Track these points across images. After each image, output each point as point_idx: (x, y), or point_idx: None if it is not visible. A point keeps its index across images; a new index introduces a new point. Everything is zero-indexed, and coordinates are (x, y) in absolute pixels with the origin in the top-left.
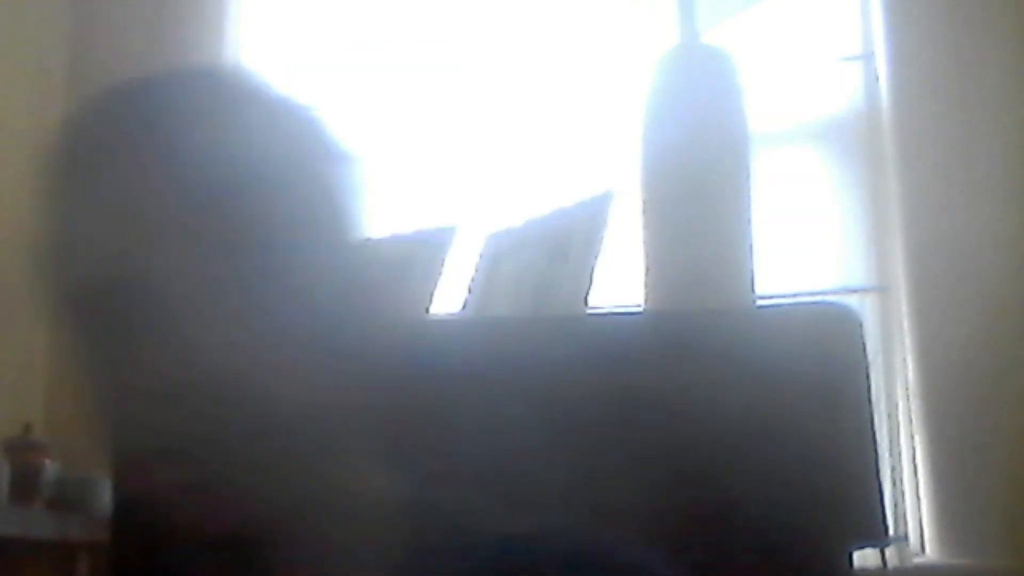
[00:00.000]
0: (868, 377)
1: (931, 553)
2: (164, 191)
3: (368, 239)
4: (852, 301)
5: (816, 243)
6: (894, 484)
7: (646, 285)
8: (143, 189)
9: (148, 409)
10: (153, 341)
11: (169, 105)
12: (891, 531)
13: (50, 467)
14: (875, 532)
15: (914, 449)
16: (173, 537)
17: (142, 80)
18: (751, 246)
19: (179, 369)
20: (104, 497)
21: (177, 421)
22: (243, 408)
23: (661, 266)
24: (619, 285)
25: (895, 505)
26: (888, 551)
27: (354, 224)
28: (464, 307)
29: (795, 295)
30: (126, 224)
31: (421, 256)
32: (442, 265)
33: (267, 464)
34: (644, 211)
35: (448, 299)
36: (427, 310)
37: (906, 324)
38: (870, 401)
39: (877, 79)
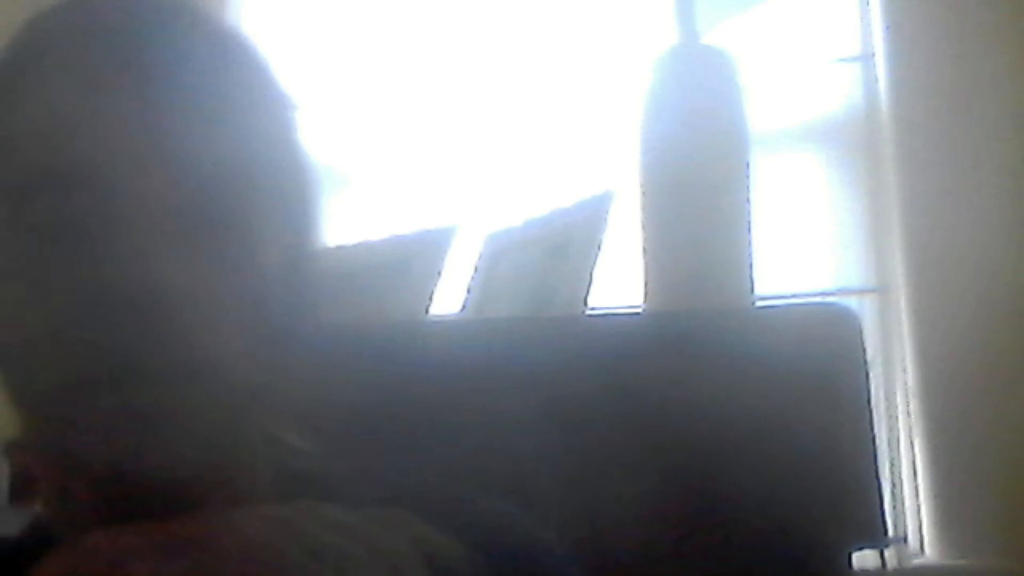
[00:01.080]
0: (867, 378)
1: (930, 554)
2: (114, 101)
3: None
4: (851, 301)
5: (815, 243)
6: (893, 485)
7: (645, 285)
8: (92, 94)
9: (79, 321)
10: (92, 248)
11: (127, 19)
12: (890, 532)
13: None
14: (874, 533)
15: (913, 450)
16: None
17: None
18: (750, 246)
19: (113, 284)
20: None
21: (103, 342)
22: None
23: (660, 266)
24: (618, 285)
25: (894, 506)
26: (887, 552)
27: (298, 166)
28: (464, 307)
29: (794, 295)
30: (70, 121)
31: (420, 256)
32: (442, 265)
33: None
34: (643, 211)
35: (448, 299)
36: (427, 310)
37: (905, 325)
38: (869, 401)
39: (876, 80)
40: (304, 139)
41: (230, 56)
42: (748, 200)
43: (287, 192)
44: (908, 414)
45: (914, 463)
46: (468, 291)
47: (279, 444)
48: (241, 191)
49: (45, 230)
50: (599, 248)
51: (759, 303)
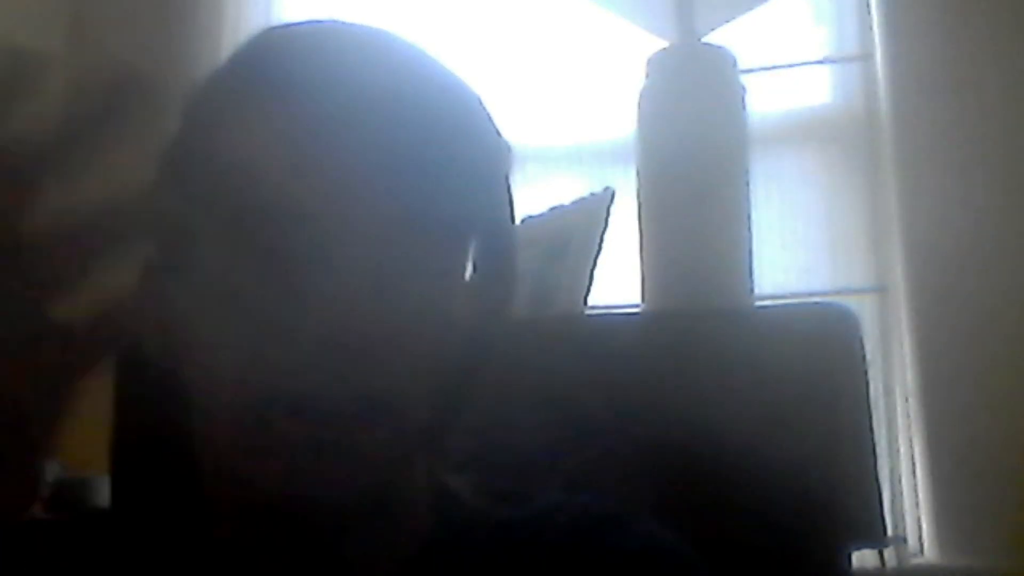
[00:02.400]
0: (867, 378)
1: (930, 554)
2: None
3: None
4: (851, 302)
5: (815, 243)
6: (893, 485)
7: (645, 285)
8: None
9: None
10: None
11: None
12: (889, 532)
13: (48, 468)
14: (873, 533)
15: (913, 450)
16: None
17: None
18: (749, 246)
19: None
20: (102, 497)
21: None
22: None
23: (660, 266)
24: (618, 285)
25: (893, 506)
26: (886, 552)
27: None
28: None
29: (793, 295)
30: (287, 155)
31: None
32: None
33: None
34: (643, 211)
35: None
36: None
37: (905, 325)
38: (868, 402)
39: (876, 80)
40: (513, 183)
41: (449, 97)
42: (747, 200)
43: (492, 238)
44: (908, 414)
45: (914, 463)
46: None
47: (443, 489)
48: (447, 237)
49: (254, 260)
50: (599, 248)
51: (759, 303)
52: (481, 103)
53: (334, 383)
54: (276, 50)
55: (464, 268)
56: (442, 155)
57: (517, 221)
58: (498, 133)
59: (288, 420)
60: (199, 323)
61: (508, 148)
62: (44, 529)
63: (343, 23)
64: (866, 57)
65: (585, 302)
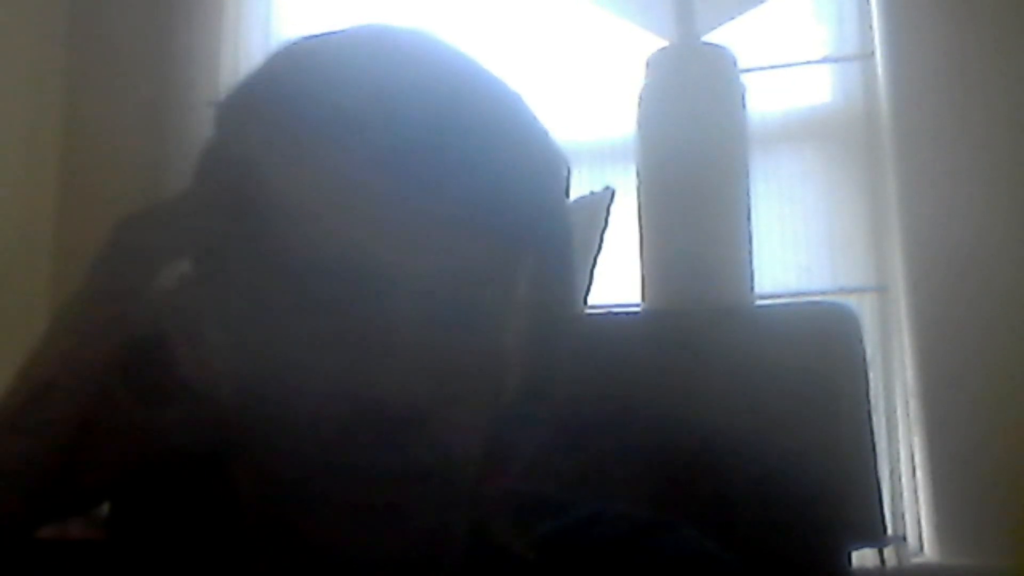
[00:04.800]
0: (867, 377)
1: (929, 553)
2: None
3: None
4: (851, 301)
5: (815, 243)
6: (893, 484)
7: (644, 285)
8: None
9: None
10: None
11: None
12: (889, 531)
13: None
14: (873, 532)
15: (913, 449)
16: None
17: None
18: (749, 246)
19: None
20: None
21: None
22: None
23: (659, 266)
24: (617, 285)
25: (893, 505)
26: (886, 551)
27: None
28: None
29: (794, 295)
30: (330, 168)
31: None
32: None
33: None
34: (643, 210)
35: None
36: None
37: (905, 324)
38: (868, 401)
39: (876, 79)
40: (568, 200)
41: (502, 107)
42: (747, 199)
43: (548, 253)
44: (908, 414)
45: (914, 463)
46: None
47: (489, 536)
48: (503, 252)
49: (297, 276)
50: (599, 247)
51: (759, 302)
52: (535, 117)
53: (382, 398)
54: (316, 57)
55: (518, 283)
56: (495, 165)
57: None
58: (553, 144)
59: (337, 477)
60: (240, 339)
61: (564, 160)
62: (72, 551)
63: (385, 27)
64: (866, 57)
65: (585, 302)
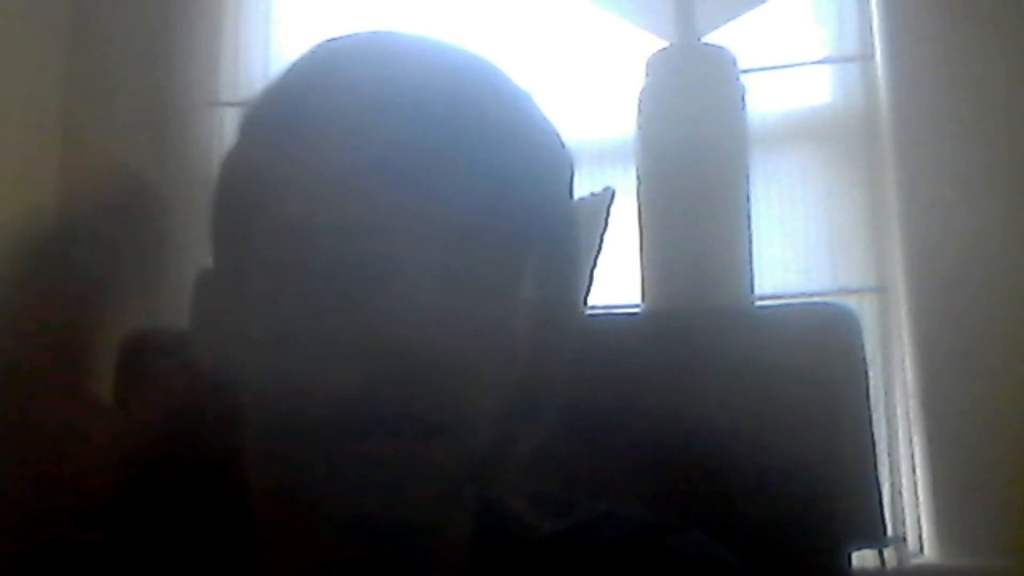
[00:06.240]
0: (867, 378)
1: (929, 554)
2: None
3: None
4: (851, 301)
5: (815, 243)
6: (892, 485)
7: (644, 285)
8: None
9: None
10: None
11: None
12: (889, 532)
13: None
14: (873, 533)
15: (913, 450)
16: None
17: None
18: (749, 246)
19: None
20: None
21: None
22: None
23: (660, 266)
24: (618, 284)
25: (893, 506)
26: (886, 552)
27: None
28: None
29: (794, 295)
30: (348, 169)
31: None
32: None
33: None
34: (643, 211)
35: None
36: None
37: (905, 324)
38: (868, 402)
39: (876, 79)
40: (574, 199)
41: (511, 109)
42: (747, 200)
43: (554, 252)
44: (908, 414)
45: (913, 463)
46: None
47: (490, 502)
48: (509, 250)
49: (314, 273)
50: (599, 248)
51: (759, 303)
52: (544, 116)
53: (393, 398)
54: (334, 63)
55: (523, 281)
56: (503, 165)
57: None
58: (560, 144)
59: (352, 441)
60: (257, 337)
61: (570, 160)
62: (80, 549)
63: (397, 33)
64: (866, 57)
65: (585, 302)
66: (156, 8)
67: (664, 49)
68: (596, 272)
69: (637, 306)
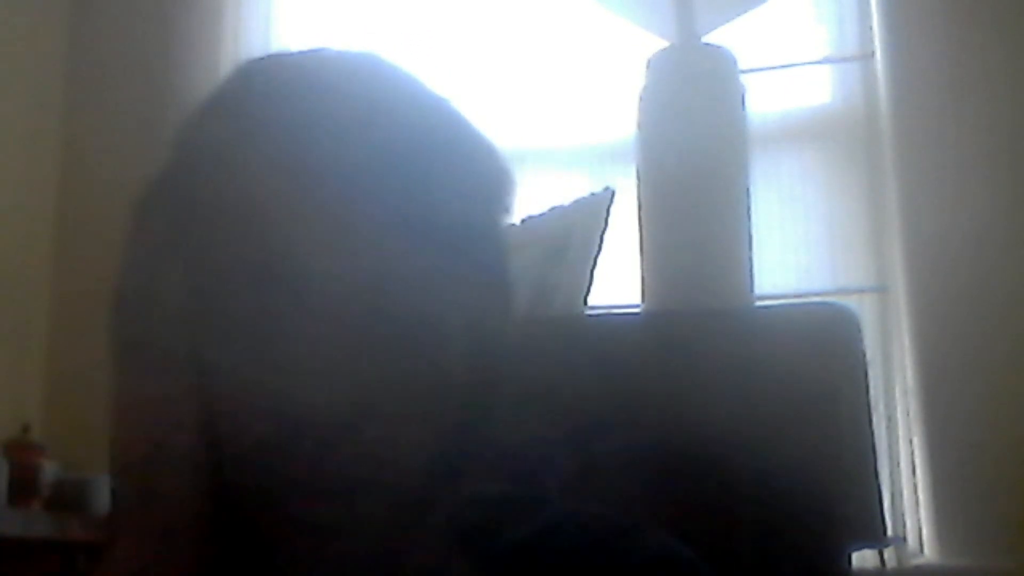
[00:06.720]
0: (867, 377)
1: (929, 554)
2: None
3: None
4: (851, 301)
5: (815, 243)
6: (892, 485)
7: (644, 285)
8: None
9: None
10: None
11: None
12: (889, 532)
13: (48, 468)
14: (873, 533)
15: (913, 450)
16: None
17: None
18: (749, 246)
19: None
20: (102, 497)
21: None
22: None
23: (659, 266)
24: (617, 285)
25: (893, 506)
26: (886, 552)
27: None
28: None
29: (794, 295)
30: (271, 179)
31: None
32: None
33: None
34: (643, 211)
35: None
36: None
37: (905, 324)
38: (868, 402)
39: (876, 79)
40: (506, 197)
41: (440, 134)
42: (747, 199)
43: (482, 271)
44: (908, 414)
45: (913, 463)
46: None
47: (463, 520)
48: (437, 267)
49: (237, 286)
50: (598, 247)
51: (759, 303)
52: (475, 133)
53: (339, 397)
54: (266, 80)
55: (455, 296)
56: (430, 182)
57: (516, 224)
58: (492, 162)
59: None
60: (208, 346)
61: (506, 175)
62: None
63: (330, 50)
64: (866, 57)
65: (585, 302)
66: (156, 9)
67: (664, 49)
68: (596, 272)
69: (637, 306)
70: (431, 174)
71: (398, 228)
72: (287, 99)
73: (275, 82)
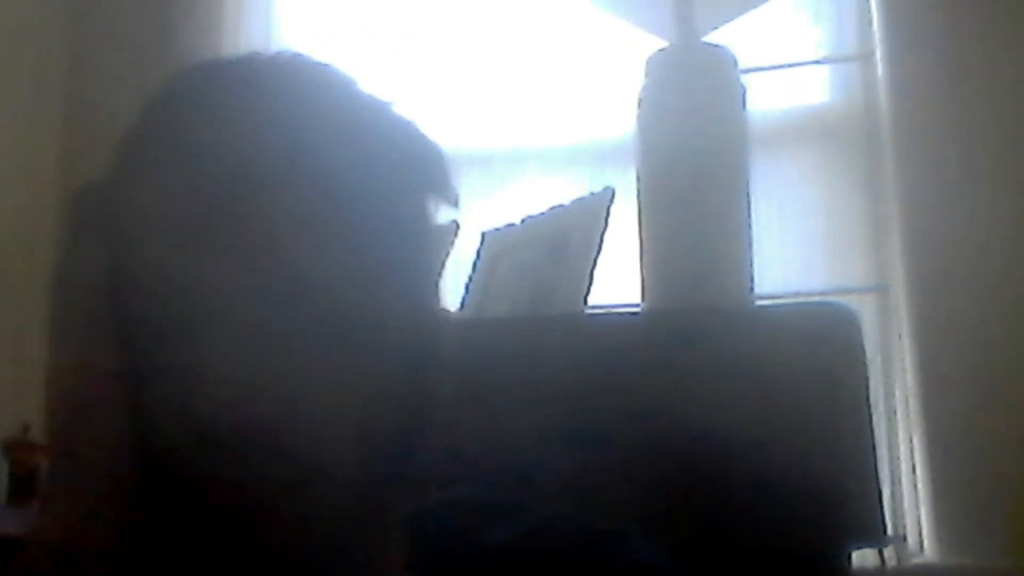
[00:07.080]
0: (867, 377)
1: (930, 554)
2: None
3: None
4: (851, 301)
5: (815, 243)
6: (893, 484)
7: (644, 285)
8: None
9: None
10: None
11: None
12: (889, 531)
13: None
14: (874, 532)
15: (913, 449)
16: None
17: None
18: (749, 246)
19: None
20: None
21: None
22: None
23: (659, 266)
24: (618, 284)
25: (893, 505)
26: (887, 551)
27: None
28: (463, 307)
29: (794, 295)
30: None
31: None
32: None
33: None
34: (643, 211)
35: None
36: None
37: (905, 325)
38: (869, 401)
39: (876, 79)
40: (441, 188)
41: (361, 132)
42: (747, 200)
43: (408, 272)
44: (908, 414)
45: (913, 463)
46: (467, 291)
47: (442, 523)
48: (364, 269)
49: (164, 295)
50: (599, 247)
51: (759, 303)
52: (395, 116)
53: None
54: (203, 85)
55: (383, 296)
56: (348, 165)
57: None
58: (417, 157)
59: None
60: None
61: (436, 154)
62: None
63: (262, 54)
64: (866, 57)
65: (585, 302)
66: (156, 8)
67: (664, 49)
68: (596, 272)
69: (637, 306)
70: (352, 168)
71: (317, 224)
72: (208, 107)
73: (197, 90)
